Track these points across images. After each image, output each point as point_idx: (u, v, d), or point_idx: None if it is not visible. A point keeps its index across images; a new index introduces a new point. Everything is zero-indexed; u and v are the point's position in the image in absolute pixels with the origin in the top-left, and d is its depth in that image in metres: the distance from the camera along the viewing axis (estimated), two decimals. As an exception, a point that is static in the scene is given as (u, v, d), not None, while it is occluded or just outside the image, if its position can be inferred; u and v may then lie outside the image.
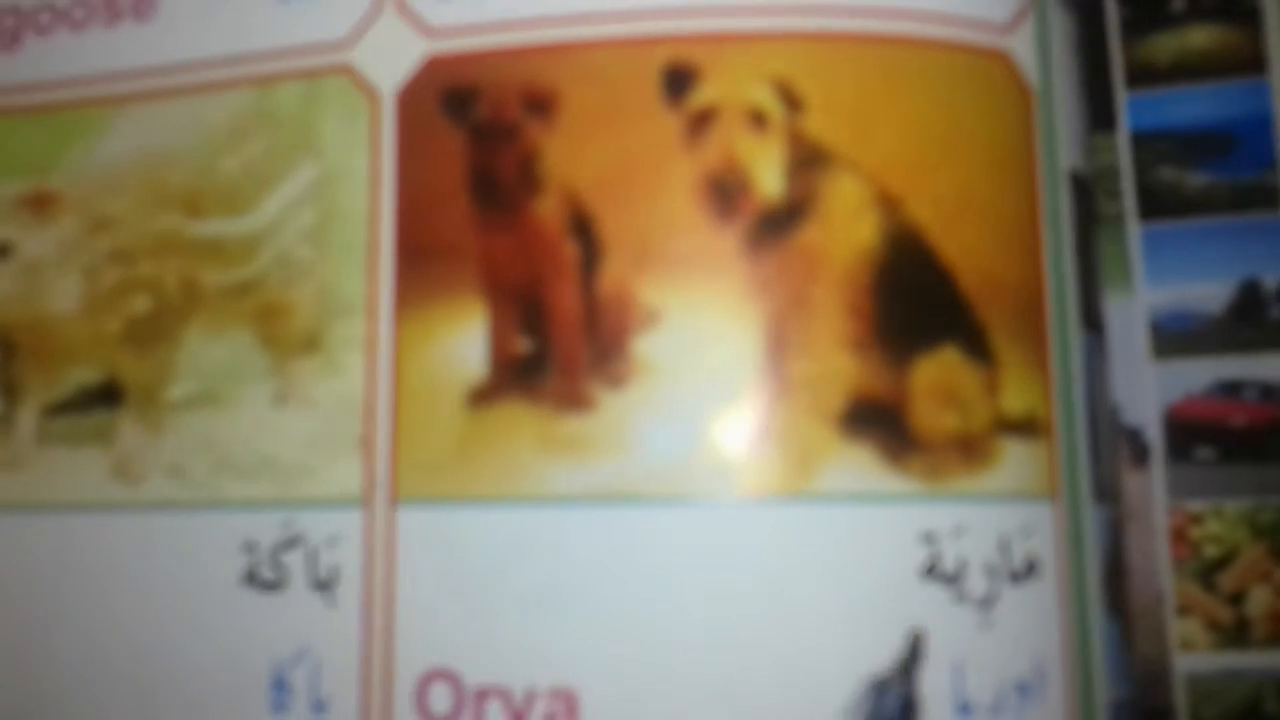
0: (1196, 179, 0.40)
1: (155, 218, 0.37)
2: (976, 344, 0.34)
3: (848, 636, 0.32)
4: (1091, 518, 0.35)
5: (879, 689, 0.31)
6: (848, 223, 0.33)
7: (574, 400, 0.33)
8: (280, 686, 0.34)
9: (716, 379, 0.33)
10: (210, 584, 0.35)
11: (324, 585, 0.34)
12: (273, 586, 0.35)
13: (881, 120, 0.34)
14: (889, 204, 0.34)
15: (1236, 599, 0.38)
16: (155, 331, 0.37)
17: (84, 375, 0.37)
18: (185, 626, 0.35)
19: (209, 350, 0.36)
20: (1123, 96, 0.40)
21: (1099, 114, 0.40)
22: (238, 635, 0.35)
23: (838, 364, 0.33)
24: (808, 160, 0.34)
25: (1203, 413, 0.39)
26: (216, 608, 0.35)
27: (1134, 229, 0.40)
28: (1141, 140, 0.40)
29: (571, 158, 0.34)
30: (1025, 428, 0.34)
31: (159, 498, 0.36)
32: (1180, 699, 0.38)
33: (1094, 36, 0.40)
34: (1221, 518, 0.38)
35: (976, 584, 0.33)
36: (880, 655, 0.32)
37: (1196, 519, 0.38)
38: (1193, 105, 0.40)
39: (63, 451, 0.37)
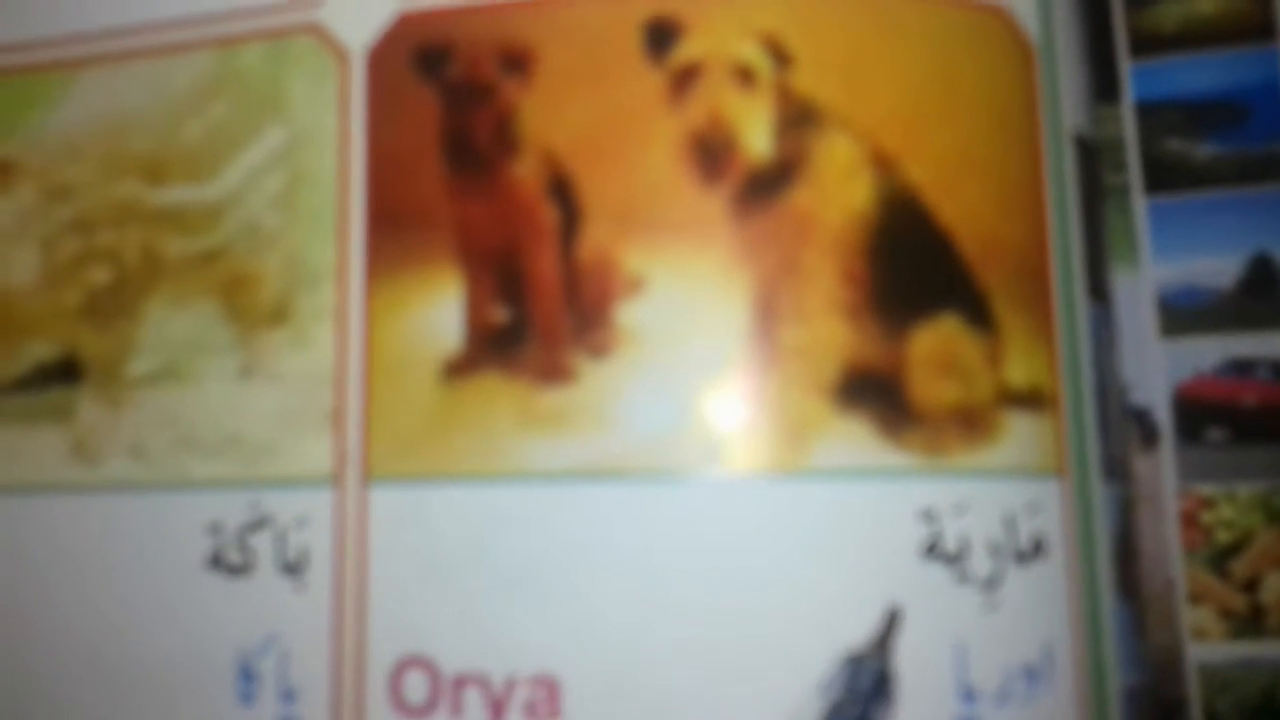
0: (1204, 150, 0.40)
1: (115, 185, 0.37)
2: (977, 311, 0.33)
3: (843, 620, 0.31)
4: (1101, 495, 0.34)
5: (854, 663, 0.31)
6: (840, 183, 0.33)
7: (554, 372, 0.33)
8: (248, 675, 0.34)
9: (704, 349, 0.32)
10: (174, 568, 0.35)
11: (293, 568, 0.34)
12: (239, 570, 0.34)
13: (875, 76, 0.33)
14: (884, 163, 0.33)
15: (1250, 586, 0.38)
16: (115, 304, 0.36)
17: (41, 350, 0.37)
18: (148, 613, 0.35)
19: (171, 323, 0.36)
20: (1127, 65, 0.40)
21: (1103, 85, 0.40)
22: (203, 622, 0.34)
23: (831, 332, 0.32)
24: (798, 118, 0.33)
25: (1213, 392, 0.39)
26: (180, 593, 0.34)
27: (1140, 202, 0.40)
28: (1147, 110, 0.40)
29: (550, 118, 0.34)
30: (1030, 399, 0.33)
31: (120, 478, 0.35)
32: (1193, 690, 0.37)
33: (1096, 3, 0.40)
34: (1234, 501, 0.38)
35: (980, 564, 0.32)
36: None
37: (1208, 503, 0.38)
38: (1200, 74, 0.40)
39: (19, 430, 0.36)
